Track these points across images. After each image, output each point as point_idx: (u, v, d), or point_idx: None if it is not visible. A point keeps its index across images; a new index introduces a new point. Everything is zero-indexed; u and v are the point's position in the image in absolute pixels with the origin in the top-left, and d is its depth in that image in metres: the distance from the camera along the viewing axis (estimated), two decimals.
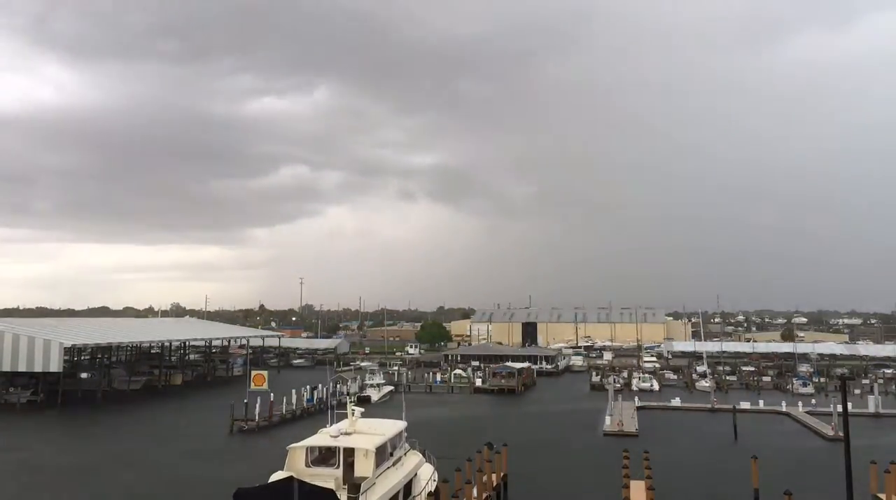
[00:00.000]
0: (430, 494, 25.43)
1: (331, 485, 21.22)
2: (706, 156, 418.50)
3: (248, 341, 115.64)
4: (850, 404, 27.02)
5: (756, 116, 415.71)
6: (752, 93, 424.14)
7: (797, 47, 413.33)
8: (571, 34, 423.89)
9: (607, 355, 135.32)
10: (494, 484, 31.82)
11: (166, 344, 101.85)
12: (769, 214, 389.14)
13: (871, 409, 63.96)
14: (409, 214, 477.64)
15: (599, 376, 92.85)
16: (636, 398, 70.56)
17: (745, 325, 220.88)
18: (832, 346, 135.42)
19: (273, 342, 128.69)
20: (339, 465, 23.41)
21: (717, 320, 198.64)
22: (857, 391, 78.41)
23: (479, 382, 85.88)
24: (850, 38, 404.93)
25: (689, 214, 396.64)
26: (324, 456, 24.25)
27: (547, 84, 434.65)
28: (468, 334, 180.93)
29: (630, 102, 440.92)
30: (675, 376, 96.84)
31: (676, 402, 68.87)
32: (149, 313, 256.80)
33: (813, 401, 68.14)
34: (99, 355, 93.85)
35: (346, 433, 24.72)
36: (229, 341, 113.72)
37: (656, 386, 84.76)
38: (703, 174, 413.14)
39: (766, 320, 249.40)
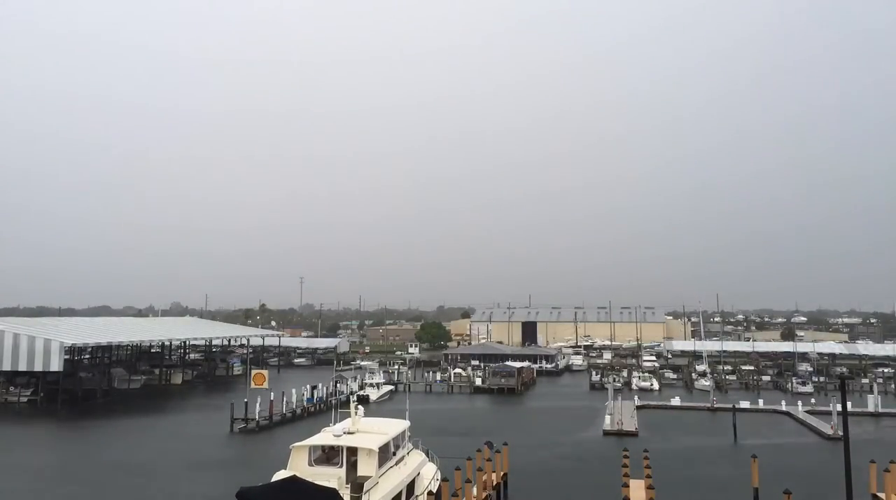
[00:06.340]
0: (430, 493, 25.47)
1: (333, 484, 21.28)
2: (708, 161, 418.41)
3: (248, 340, 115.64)
4: (849, 404, 27.14)
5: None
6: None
7: None
8: None
9: (607, 355, 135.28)
10: (495, 483, 31.91)
11: (166, 343, 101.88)
12: (768, 214, 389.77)
13: (871, 408, 64.10)
14: None
15: (599, 376, 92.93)
16: (636, 398, 70.57)
17: (745, 324, 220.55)
18: (832, 345, 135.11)
19: (273, 342, 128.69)
20: (341, 464, 23.42)
21: (716, 319, 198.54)
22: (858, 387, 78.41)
23: (478, 381, 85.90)
24: None
25: (687, 214, 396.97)
26: (327, 455, 24.27)
27: None
28: (468, 333, 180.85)
29: None
30: (675, 376, 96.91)
31: (676, 401, 68.92)
32: (149, 312, 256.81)
33: (812, 400, 68.23)
34: (99, 355, 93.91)
35: (349, 433, 24.74)
36: (229, 341, 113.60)
37: (656, 385, 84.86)
38: (704, 177, 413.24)
39: (766, 319, 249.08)
